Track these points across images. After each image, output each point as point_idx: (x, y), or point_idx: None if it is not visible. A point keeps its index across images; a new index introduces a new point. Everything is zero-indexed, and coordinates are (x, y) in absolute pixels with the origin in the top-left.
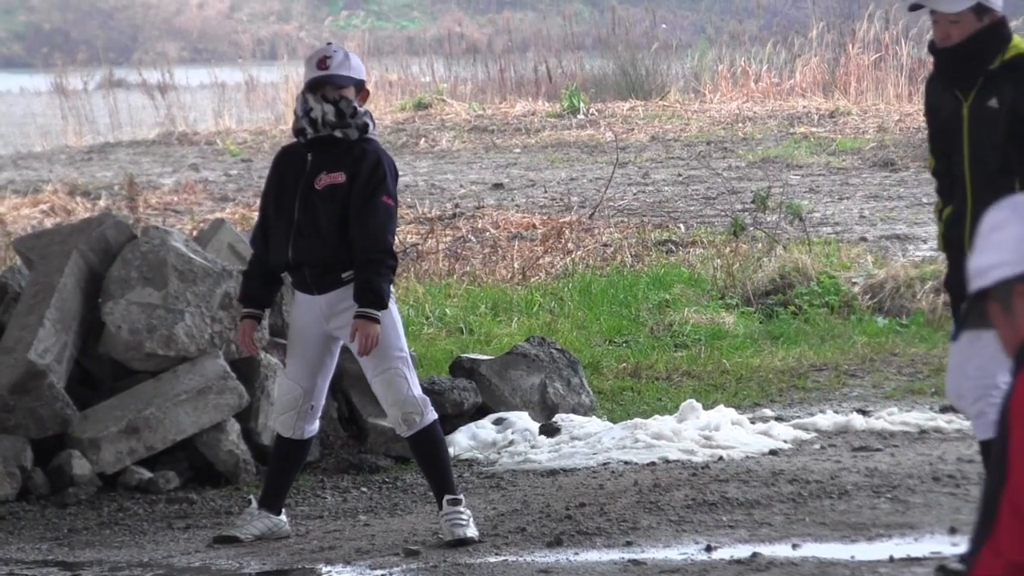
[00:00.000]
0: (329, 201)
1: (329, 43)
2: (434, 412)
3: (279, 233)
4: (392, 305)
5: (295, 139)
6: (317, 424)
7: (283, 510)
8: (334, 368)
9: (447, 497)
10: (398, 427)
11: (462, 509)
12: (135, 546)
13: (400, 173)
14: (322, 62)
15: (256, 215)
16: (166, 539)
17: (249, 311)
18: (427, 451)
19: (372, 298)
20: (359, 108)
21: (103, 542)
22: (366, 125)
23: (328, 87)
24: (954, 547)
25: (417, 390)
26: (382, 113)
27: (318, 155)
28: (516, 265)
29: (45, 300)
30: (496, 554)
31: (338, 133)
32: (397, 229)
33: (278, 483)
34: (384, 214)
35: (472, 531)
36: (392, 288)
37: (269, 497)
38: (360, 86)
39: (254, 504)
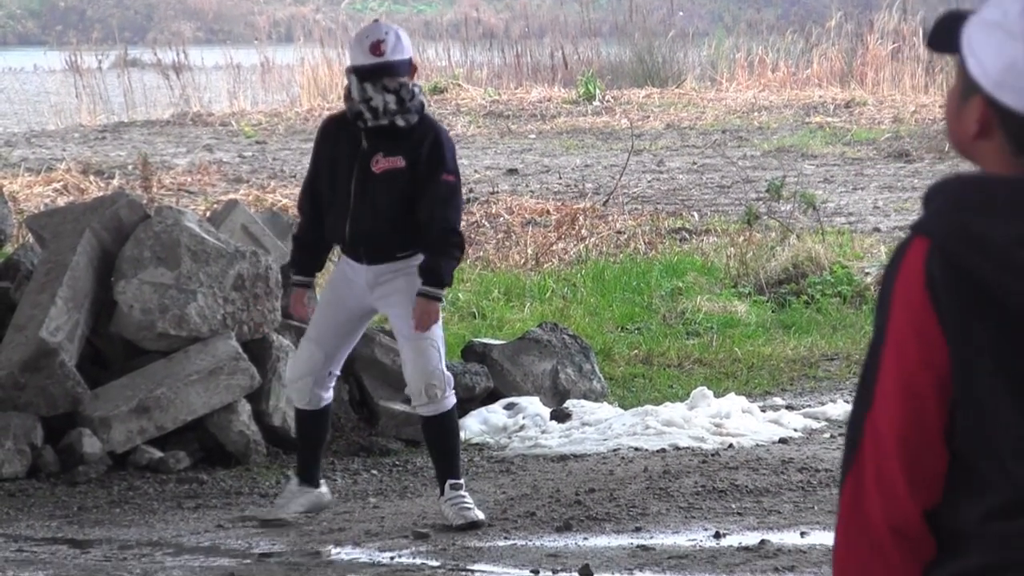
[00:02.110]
0: (389, 186)
1: (376, 21)
2: (454, 396)
3: (335, 212)
4: None
5: (342, 114)
6: (331, 394)
7: (322, 481)
8: (354, 342)
9: (450, 482)
10: (417, 398)
11: (464, 493)
12: (144, 525)
13: None
14: (376, 47)
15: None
16: (176, 518)
17: (301, 279)
18: (440, 434)
19: (437, 280)
20: (415, 90)
21: (112, 520)
22: (422, 104)
23: (387, 77)
24: None
25: (443, 366)
26: None
27: (374, 137)
28: (530, 251)
29: (57, 278)
30: (505, 538)
31: (400, 121)
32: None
33: (309, 456)
34: (448, 193)
35: (480, 514)
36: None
37: (304, 471)
38: (410, 63)
39: (294, 481)
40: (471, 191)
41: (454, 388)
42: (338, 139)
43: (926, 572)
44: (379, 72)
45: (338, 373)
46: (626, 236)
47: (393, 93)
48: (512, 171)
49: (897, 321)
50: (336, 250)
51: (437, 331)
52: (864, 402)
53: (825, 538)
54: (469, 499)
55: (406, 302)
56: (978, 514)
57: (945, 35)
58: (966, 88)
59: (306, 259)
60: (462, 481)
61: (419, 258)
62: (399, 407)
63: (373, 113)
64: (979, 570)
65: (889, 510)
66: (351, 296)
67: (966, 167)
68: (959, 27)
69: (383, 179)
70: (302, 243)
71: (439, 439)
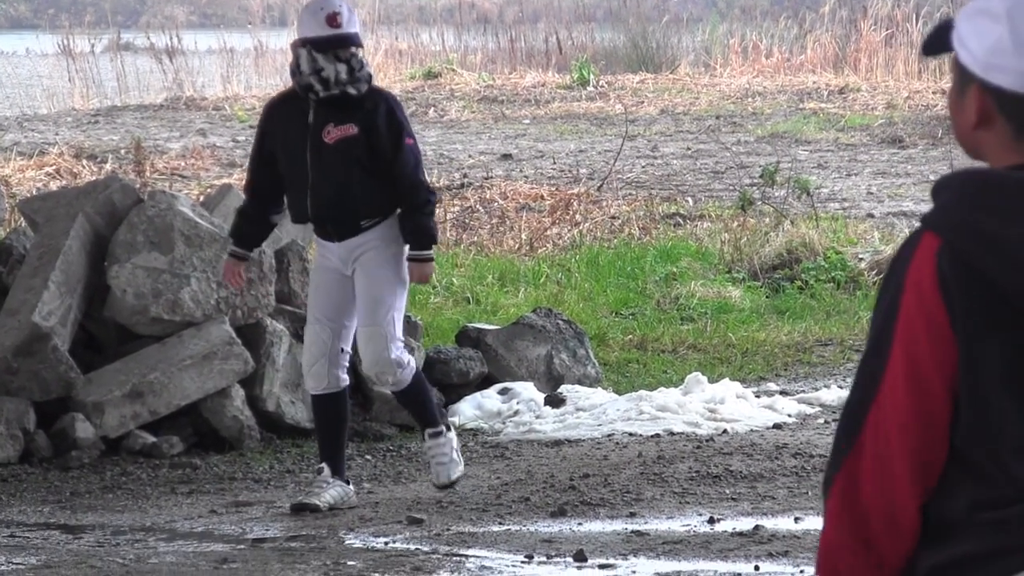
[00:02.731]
0: (344, 155)
1: None
2: (412, 368)
3: (294, 191)
4: (403, 262)
5: (288, 92)
6: (347, 376)
7: (349, 479)
8: (354, 319)
9: (428, 430)
10: (370, 378)
11: (443, 441)
12: (137, 510)
13: None
14: (332, 19)
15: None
16: (169, 504)
17: (238, 250)
18: (408, 400)
19: (424, 240)
20: (364, 61)
21: (105, 506)
22: (371, 75)
23: (340, 48)
24: None
25: (393, 353)
26: (391, 82)
27: (322, 108)
28: (524, 236)
29: (50, 263)
30: (500, 523)
31: (351, 90)
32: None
33: (334, 444)
34: (412, 156)
35: (456, 470)
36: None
37: (334, 461)
38: (359, 35)
39: (327, 471)
40: (465, 176)
41: (446, 372)
42: (285, 117)
43: (912, 562)
44: (335, 43)
45: (349, 350)
46: (620, 221)
47: (344, 63)
48: (506, 156)
49: (908, 315)
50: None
51: (387, 311)
52: (868, 389)
53: (818, 523)
54: (446, 448)
55: (366, 281)
56: (967, 505)
57: (938, 40)
58: (962, 80)
59: (247, 232)
60: (440, 428)
61: (385, 226)
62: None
63: (324, 84)
64: (973, 557)
65: (887, 499)
66: (336, 274)
67: (960, 152)
68: (950, 31)
69: (337, 149)
70: (246, 216)
71: (409, 403)
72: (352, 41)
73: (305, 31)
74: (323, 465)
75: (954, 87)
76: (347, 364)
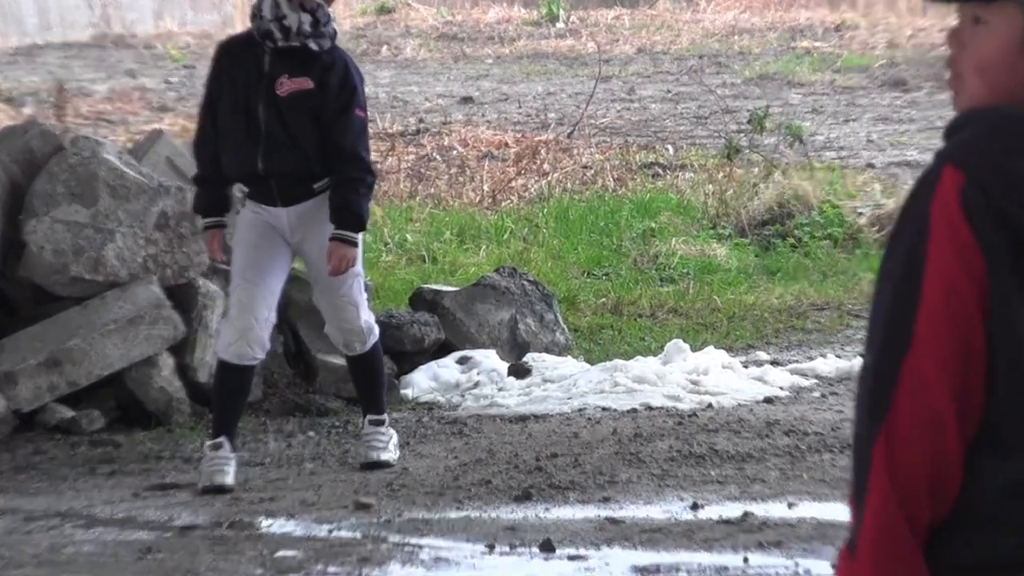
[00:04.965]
0: (298, 109)
1: None
2: (376, 336)
3: (241, 146)
4: None
5: (243, 36)
6: (268, 345)
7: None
8: (283, 285)
9: (370, 416)
10: (336, 345)
11: (383, 431)
12: (53, 493)
13: None
14: None
15: (198, 121)
16: (88, 486)
17: (213, 220)
18: (363, 370)
19: (351, 219)
20: (331, 15)
21: (17, 488)
22: (336, 33)
23: None
24: None
25: (362, 320)
26: (341, 17)
27: (278, 59)
28: (486, 187)
29: None
30: (458, 508)
31: (312, 44)
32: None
33: (234, 419)
34: (359, 128)
35: (390, 455)
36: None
37: (231, 437)
38: None
39: (227, 446)
40: (421, 121)
41: (399, 339)
42: (237, 63)
43: (940, 544)
44: None
45: (275, 320)
46: (593, 171)
47: (310, 13)
48: (467, 99)
49: (939, 248)
50: (240, 197)
51: (353, 279)
52: (897, 346)
53: (815, 510)
54: (384, 438)
55: (323, 250)
56: (1000, 483)
57: None
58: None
59: (214, 198)
60: (384, 417)
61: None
62: (340, 361)
63: (284, 33)
64: (1004, 551)
65: (936, 459)
66: (273, 235)
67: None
68: None
69: (290, 103)
70: (207, 181)
71: (363, 375)
72: None
73: None
74: (221, 439)
75: (1008, 43)
76: (269, 334)
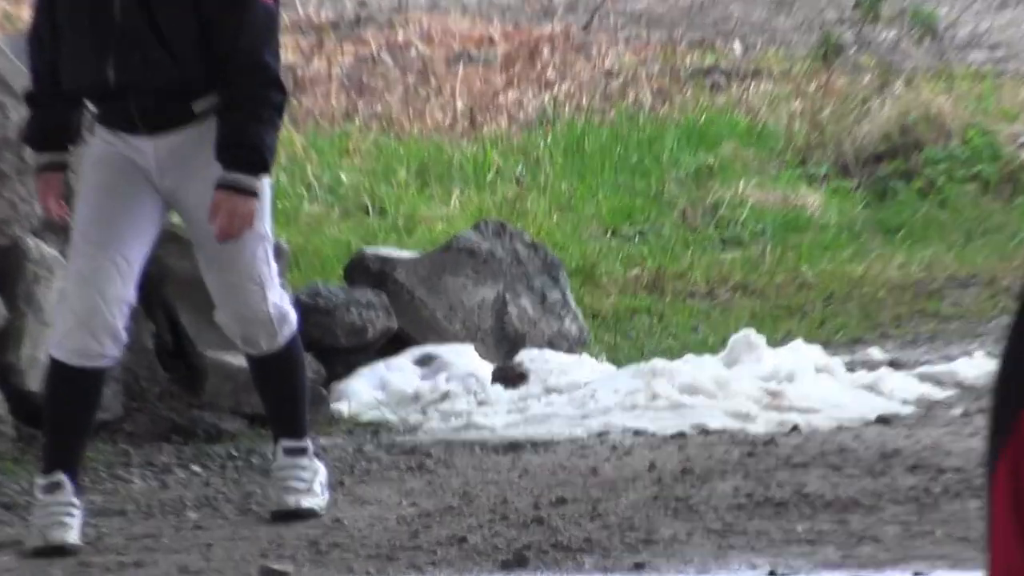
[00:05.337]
0: (168, 3)
1: None
2: (293, 325)
3: (86, 43)
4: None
5: None
6: (125, 337)
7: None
8: (149, 248)
9: (285, 443)
10: (233, 339)
11: (305, 464)
12: None
13: None
14: None
15: (32, 18)
16: None
17: (50, 157)
18: (272, 375)
19: (248, 157)
20: None
21: None
22: None
23: None
24: None
25: (270, 304)
26: None
27: None
28: (460, 104)
29: None
30: None
31: None
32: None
33: (78, 445)
34: (263, 19)
35: (314, 500)
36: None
37: (73, 472)
38: None
39: (68, 486)
40: (363, 5)
41: (329, 327)
42: None
43: None
44: None
45: (134, 300)
46: (621, 81)
47: None
48: None
49: None
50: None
51: (258, 246)
52: None
53: None
54: (307, 474)
55: (206, 202)
56: None
57: None
58: None
59: (53, 125)
60: (306, 444)
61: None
62: (239, 361)
63: None
64: None
65: None
66: (132, 176)
67: None
68: None
69: None
70: (42, 100)
71: (273, 383)
72: None
73: None
74: (60, 477)
75: None
76: (126, 324)
